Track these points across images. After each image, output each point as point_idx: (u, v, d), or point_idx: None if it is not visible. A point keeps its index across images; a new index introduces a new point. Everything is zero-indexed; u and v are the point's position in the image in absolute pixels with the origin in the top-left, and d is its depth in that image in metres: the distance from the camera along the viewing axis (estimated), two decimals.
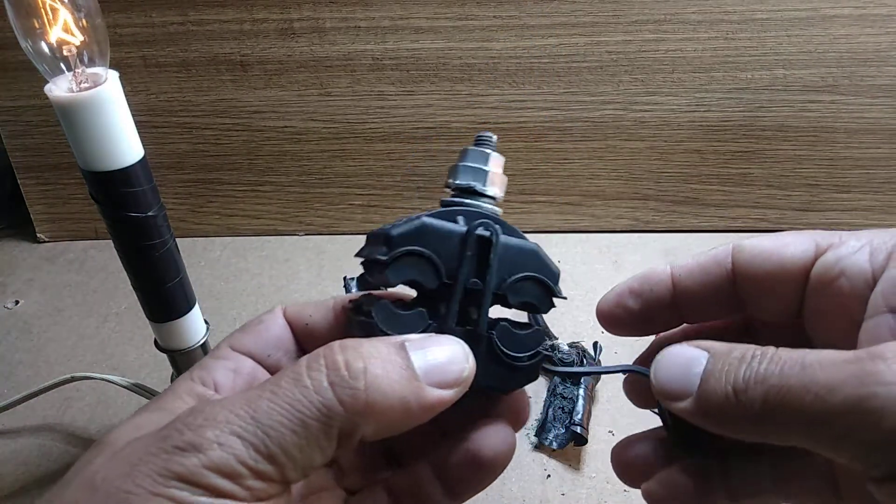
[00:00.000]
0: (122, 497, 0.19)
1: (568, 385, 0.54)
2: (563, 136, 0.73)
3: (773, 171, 0.73)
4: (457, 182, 0.28)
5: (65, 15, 0.40)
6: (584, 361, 0.55)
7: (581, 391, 0.53)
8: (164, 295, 0.46)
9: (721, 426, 0.23)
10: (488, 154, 0.28)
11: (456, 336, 0.25)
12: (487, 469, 0.27)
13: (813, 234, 0.27)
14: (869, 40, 0.66)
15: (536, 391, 0.56)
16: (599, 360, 0.57)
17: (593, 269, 0.68)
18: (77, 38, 0.40)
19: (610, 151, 0.73)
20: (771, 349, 0.23)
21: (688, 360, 0.24)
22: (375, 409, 0.22)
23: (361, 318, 0.26)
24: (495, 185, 0.28)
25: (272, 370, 0.28)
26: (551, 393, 0.54)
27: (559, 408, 0.53)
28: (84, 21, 0.40)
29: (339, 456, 0.29)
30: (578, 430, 0.50)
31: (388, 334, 0.25)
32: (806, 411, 0.21)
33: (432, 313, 0.26)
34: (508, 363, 0.27)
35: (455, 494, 0.28)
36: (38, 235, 0.79)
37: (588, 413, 0.52)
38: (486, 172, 0.28)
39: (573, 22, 0.67)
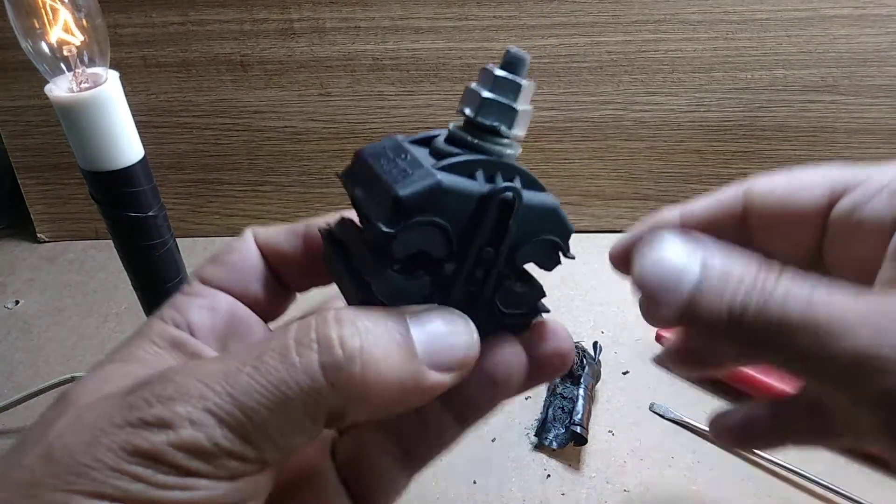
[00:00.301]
0: (80, 470, 0.18)
1: (568, 385, 0.54)
2: (562, 136, 0.73)
3: (773, 171, 0.73)
4: (478, 119, 0.23)
5: (65, 15, 0.40)
6: (584, 361, 0.55)
7: (581, 391, 0.53)
8: (164, 295, 0.46)
9: (708, 339, 0.23)
10: (520, 85, 0.23)
11: (460, 298, 0.23)
12: (500, 387, 0.25)
13: (829, 173, 0.25)
14: (869, 40, 0.66)
15: (536, 391, 0.56)
16: (599, 360, 0.57)
17: (593, 269, 0.68)
18: (77, 38, 0.40)
19: (610, 151, 0.73)
20: (773, 275, 0.21)
21: (679, 264, 0.22)
22: (370, 394, 0.20)
23: (361, 287, 0.22)
24: (521, 125, 0.23)
25: (251, 304, 0.26)
26: (551, 393, 0.54)
27: (559, 408, 0.53)
28: (84, 21, 0.40)
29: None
30: (578, 430, 0.50)
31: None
32: (807, 351, 0.20)
33: (435, 278, 0.23)
34: (502, 320, 0.25)
35: (463, 417, 0.25)
36: (39, 235, 0.79)
37: (588, 413, 0.52)
38: (515, 112, 0.23)
39: (573, 22, 0.67)
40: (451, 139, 0.23)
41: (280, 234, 0.26)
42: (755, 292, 0.21)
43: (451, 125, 0.23)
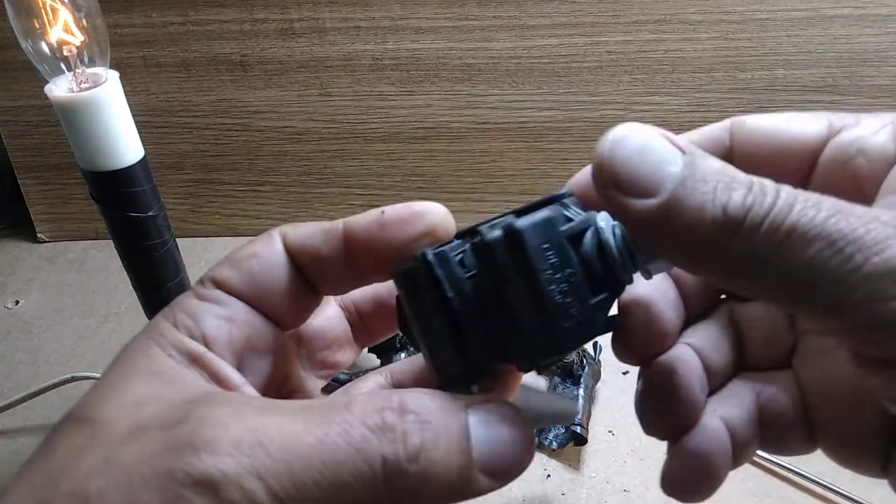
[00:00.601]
0: None
1: (568, 385, 0.54)
2: (563, 137, 0.73)
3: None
4: (637, 274, 0.22)
5: (65, 15, 0.40)
6: (584, 361, 0.55)
7: (581, 391, 0.53)
8: (164, 295, 0.46)
9: (684, 251, 0.19)
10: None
11: None
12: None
13: (824, 113, 0.23)
14: (869, 40, 0.66)
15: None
16: (599, 360, 0.57)
17: None
18: (77, 39, 0.40)
19: None
20: (771, 182, 0.18)
21: (659, 152, 0.19)
22: (420, 493, 0.19)
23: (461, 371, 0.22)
24: None
25: (270, 315, 0.24)
26: (551, 392, 0.54)
27: None
28: (84, 21, 0.40)
29: None
30: (578, 429, 0.50)
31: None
32: (819, 267, 0.17)
33: None
34: None
35: None
36: (39, 235, 0.79)
37: (588, 413, 0.52)
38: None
39: (573, 22, 0.67)
40: (602, 254, 0.21)
41: (317, 235, 0.24)
42: (755, 193, 0.18)
43: (606, 235, 0.21)
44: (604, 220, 0.22)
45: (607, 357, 0.59)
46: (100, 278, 0.73)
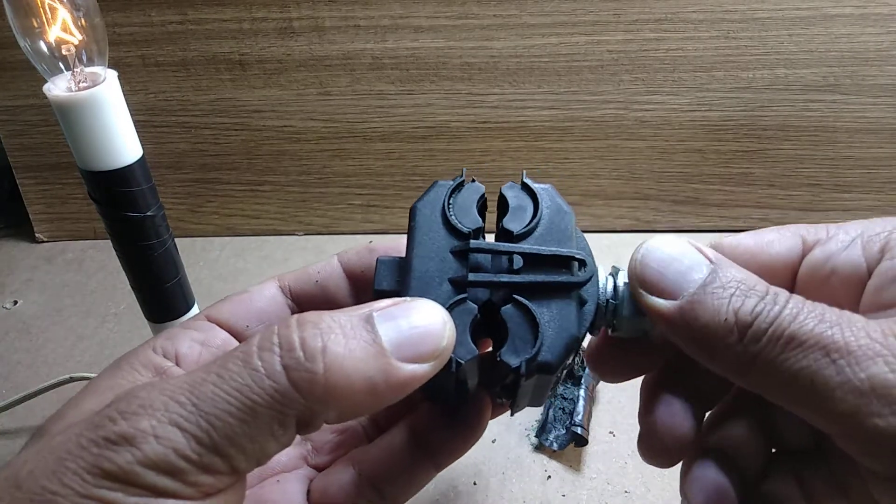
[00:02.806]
0: (47, 498, 0.17)
1: (568, 385, 0.54)
2: (563, 136, 0.73)
3: (774, 170, 0.73)
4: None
5: (63, 14, 0.39)
6: (584, 362, 0.55)
7: (582, 392, 0.53)
8: (162, 295, 0.46)
9: (697, 349, 0.21)
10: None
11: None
12: (475, 432, 0.26)
13: (798, 228, 0.25)
14: (871, 39, 0.66)
15: None
16: None
17: None
18: (76, 38, 0.40)
19: (611, 151, 0.73)
20: (784, 291, 0.20)
21: (687, 260, 0.21)
22: (337, 393, 0.19)
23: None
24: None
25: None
26: (552, 393, 0.54)
27: (559, 408, 0.53)
28: (83, 20, 0.40)
29: (308, 438, 0.28)
30: (579, 430, 0.50)
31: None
32: (814, 374, 0.18)
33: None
34: None
35: (439, 461, 0.26)
36: (37, 235, 0.79)
37: (588, 414, 0.52)
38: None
39: (574, 21, 0.67)
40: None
41: (313, 268, 0.28)
42: (766, 301, 0.19)
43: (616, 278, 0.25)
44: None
45: None
46: (98, 278, 0.73)
